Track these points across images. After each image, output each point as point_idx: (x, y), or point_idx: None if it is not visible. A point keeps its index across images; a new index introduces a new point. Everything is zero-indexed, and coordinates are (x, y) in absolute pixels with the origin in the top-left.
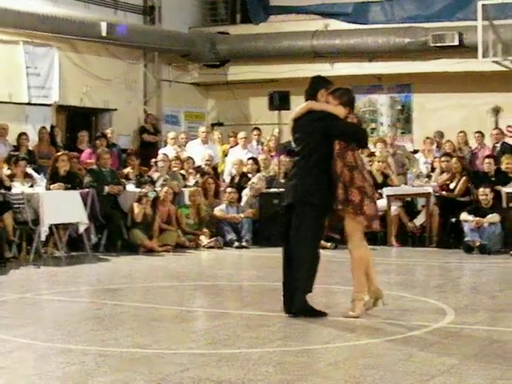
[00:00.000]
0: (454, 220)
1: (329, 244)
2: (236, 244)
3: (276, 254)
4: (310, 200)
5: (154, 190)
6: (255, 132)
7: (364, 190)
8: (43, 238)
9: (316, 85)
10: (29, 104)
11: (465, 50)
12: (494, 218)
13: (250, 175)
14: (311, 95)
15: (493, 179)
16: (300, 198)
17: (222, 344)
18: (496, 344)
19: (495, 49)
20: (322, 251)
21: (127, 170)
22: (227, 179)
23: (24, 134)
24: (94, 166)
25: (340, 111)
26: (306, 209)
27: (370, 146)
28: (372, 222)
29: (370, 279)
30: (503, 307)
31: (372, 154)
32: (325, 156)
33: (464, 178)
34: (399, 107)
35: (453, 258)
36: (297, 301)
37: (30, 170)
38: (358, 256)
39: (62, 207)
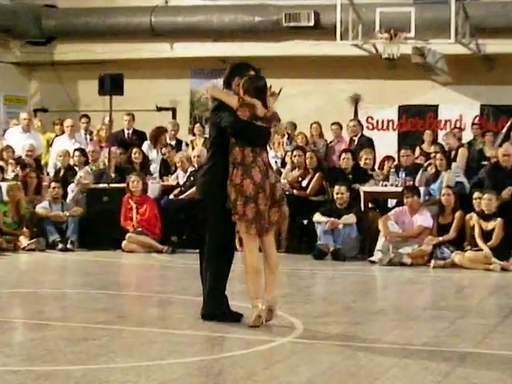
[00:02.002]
0: (305, 222)
1: (165, 248)
2: (60, 246)
3: (104, 258)
4: (209, 198)
5: None
6: (83, 120)
7: (242, 188)
8: None
9: (230, 72)
10: None
11: (321, 31)
12: (349, 218)
13: (76, 168)
14: (226, 84)
15: (350, 176)
16: (200, 195)
17: (41, 360)
18: (349, 360)
19: (355, 31)
20: (157, 255)
21: None
22: (51, 172)
23: None
24: None
25: (232, 101)
26: (204, 208)
27: None
28: (251, 227)
29: (267, 288)
30: (357, 320)
31: None
32: (223, 150)
33: (318, 174)
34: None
35: (303, 264)
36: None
37: None
38: (246, 262)
39: None
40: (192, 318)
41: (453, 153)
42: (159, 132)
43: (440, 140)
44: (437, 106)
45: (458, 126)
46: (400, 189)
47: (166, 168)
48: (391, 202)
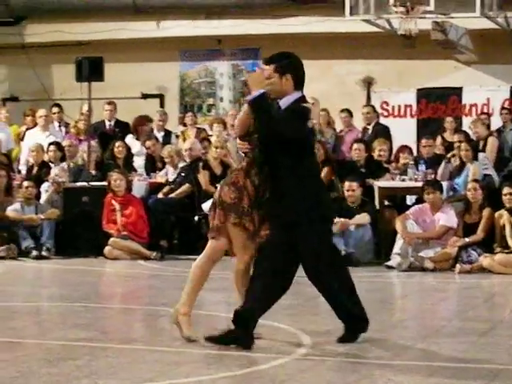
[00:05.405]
0: None
1: (153, 254)
2: (34, 253)
3: (84, 266)
4: None
5: None
6: (54, 109)
7: None
8: None
9: None
10: None
11: (328, 5)
12: (362, 218)
13: (51, 165)
14: None
15: (363, 170)
16: None
17: None
18: (364, 380)
19: (366, 4)
20: (144, 263)
21: None
22: (23, 170)
23: None
24: None
25: None
26: None
27: (206, 127)
28: None
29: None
30: (373, 334)
31: (207, 139)
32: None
33: (326, 168)
34: (244, 78)
35: None
36: None
37: None
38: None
39: None
40: None
41: (481, 143)
42: (141, 121)
43: (465, 127)
44: (460, 89)
45: (485, 111)
46: (420, 184)
47: (152, 163)
48: (410, 199)
